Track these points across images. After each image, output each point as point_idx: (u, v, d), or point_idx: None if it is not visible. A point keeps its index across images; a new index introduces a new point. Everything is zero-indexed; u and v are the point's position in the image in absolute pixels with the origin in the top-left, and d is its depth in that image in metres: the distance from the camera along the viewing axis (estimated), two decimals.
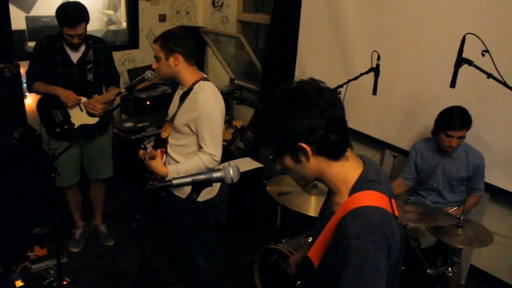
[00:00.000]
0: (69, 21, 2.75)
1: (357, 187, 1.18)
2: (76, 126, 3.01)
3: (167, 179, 2.16)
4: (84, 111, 2.99)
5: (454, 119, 2.66)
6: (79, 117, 3.01)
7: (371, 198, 1.15)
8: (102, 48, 3.04)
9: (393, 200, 1.22)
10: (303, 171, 1.22)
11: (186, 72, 2.28)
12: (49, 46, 2.90)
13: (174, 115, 2.32)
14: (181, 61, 2.24)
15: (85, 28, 2.84)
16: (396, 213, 1.21)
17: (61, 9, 2.78)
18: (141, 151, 2.31)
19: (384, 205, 1.16)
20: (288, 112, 1.14)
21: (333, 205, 1.25)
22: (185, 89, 2.30)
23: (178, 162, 2.31)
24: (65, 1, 2.85)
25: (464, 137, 2.70)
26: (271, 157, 1.25)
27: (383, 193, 1.18)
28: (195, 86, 2.27)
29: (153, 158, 2.27)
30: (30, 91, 3.05)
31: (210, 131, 2.21)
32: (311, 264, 1.24)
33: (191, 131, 2.24)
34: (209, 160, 2.22)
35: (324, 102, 1.14)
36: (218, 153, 2.24)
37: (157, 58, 2.27)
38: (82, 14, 2.79)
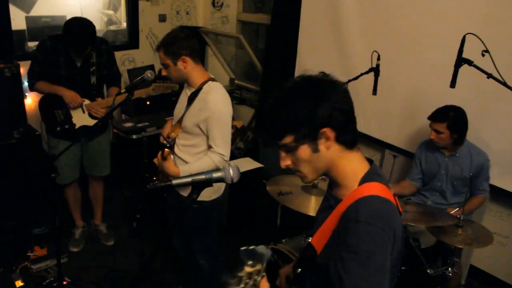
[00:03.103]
0: (74, 46, 2.76)
1: (367, 178, 1.20)
2: (77, 126, 3.01)
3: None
4: (86, 112, 3.00)
5: (437, 111, 2.74)
6: (80, 118, 3.01)
7: (381, 190, 1.18)
8: (104, 49, 3.04)
9: (396, 197, 1.25)
10: (318, 162, 1.21)
11: (194, 72, 2.27)
12: (53, 47, 2.88)
13: (183, 116, 2.32)
14: (189, 62, 2.23)
15: (90, 48, 2.84)
16: (400, 209, 1.24)
17: (68, 29, 2.73)
18: (167, 150, 2.25)
19: (391, 199, 1.20)
20: (313, 96, 1.15)
21: (339, 195, 1.26)
22: (193, 89, 2.29)
23: (186, 162, 2.31)
24: (74, 17, 2.79)
25: (444, 133, 2.72)
26: (281, 149, 1.22)
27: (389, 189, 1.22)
28: (204, 87, 2.26)
29: (165, 159, 2.26)
30: (32, 90, 3.04)
31: (221, 131, 2.22)
32: (313, 251, 1.25)
33: (201, 131, 2.25)
34: (219, 159, 2.22)
35: (342, 93, 1.19)
36: (227, 152, 2.25)
37: (165, 65, 2.24)
38: (88, 40, 2.77)
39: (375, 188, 1.18)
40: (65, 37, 2.77)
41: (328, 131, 1.16)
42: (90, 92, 2.99)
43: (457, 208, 2.81)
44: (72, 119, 3.00)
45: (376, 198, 1.15)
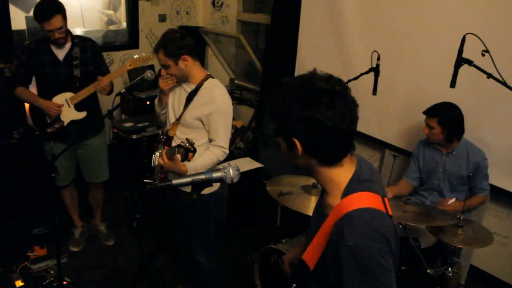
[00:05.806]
0: (43, 15, 2.75)
1: (349, 189, 1.17)
2: (65, 123, 3.01)
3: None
4: (72, 106, 2.99)
5: (431, 106, 2.75)
6: (67, 114, 3.00)
7: (364, 200, 1.15)
8: (90, 46, 3.04)
9: (385, 199, 1.21)
10: (295, 159, 1.22)
11: (194, 69, 2.34)
12: (37, 49, 2.91)
13: (182, 112, 2.35)
14: (189, 60, 2.28)
15: (63, 21, 2.82)
16: (390, 212, 1.20)
17: (35, 7, 2.78)
18: (190, 154, 2.28)
19: (377, 205, 1.16)
20: (295, 106, 1.12)
21: (326, 207, 1.24)
22: (193, 86, 2.34)
23: None
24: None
25: (435, 128, 2.72)
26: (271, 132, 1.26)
27: (376, 192, 1.18)
28: (205, 83, 2.32)
29: (173, 159, 2.27)
30: (11, 94, 3.02)
31: (225, 125, 2.31)
32: (306, 267, 1.24)
33: (202, 125, 2.31)
34: (221, 153, 2.31)
35: (332, 112, 1.10)
36: (227, 146, 2.34)
37: (166, 66, 2.28)
38: (55, 6, 2.78)
39: (357, 200, 1.14)
40: (34, 14, 2.77)
41: (297, 143, 1.15)
42: (73, 85, 2.98)
43: (454, 198, 2.80)
44: (60, 116, 3.00)
45: (360, 213, 1.12)
